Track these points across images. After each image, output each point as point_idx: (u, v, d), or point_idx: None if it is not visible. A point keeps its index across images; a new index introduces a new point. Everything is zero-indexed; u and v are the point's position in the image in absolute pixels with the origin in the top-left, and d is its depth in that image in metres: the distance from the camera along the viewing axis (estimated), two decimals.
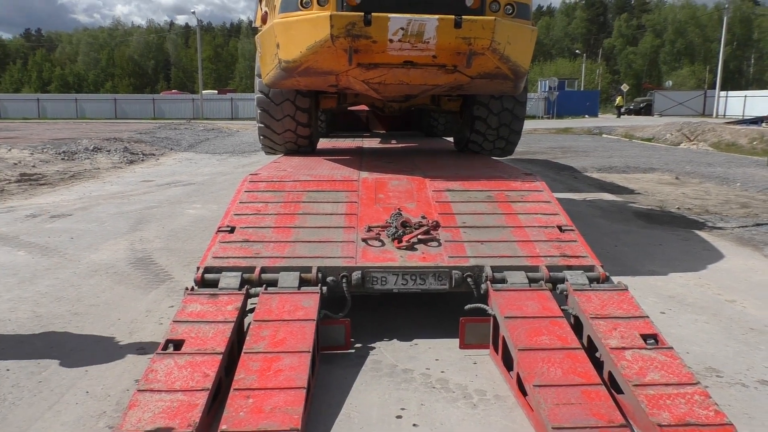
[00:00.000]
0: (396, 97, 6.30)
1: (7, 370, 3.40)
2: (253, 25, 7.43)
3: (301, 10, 4.97)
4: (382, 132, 12.02)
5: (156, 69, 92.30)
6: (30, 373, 3.36)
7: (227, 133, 26.74)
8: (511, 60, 5.06)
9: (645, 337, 3.11)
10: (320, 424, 2.82)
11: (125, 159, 15.06)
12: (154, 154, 16.93)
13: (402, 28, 4.67)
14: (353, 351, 3.64)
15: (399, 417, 2.89)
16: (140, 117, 44.53)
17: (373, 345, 3.73)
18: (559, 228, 4.27)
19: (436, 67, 5.06)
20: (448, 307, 4.29)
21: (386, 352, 3.63)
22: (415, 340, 3.80)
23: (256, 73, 7.01)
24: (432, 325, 4.04)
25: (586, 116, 41.71)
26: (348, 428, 2.80)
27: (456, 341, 3.68)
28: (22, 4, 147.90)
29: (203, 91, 49.39)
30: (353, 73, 5.16)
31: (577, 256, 3.92)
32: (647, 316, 3.29)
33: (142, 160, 15.47)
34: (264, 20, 6.07)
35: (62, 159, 13.98)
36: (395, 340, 3.81)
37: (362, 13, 4.63)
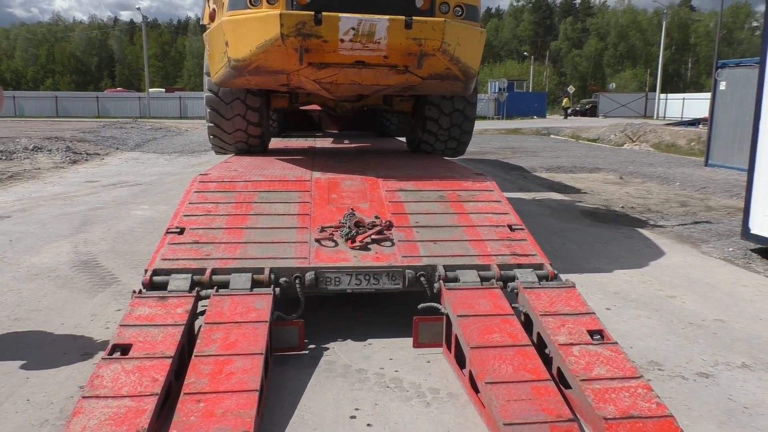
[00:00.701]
0: (348, 96, 6.29)
1: None
2: (200, 23, 7.28)
3: (250, 8, 4.90)
4: (334, 132, 11.99)
5: (100, 66, 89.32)
6: None
7: (176, 132, 26.13)
8: (461, 61, 5.13)
9: (591, 333, 3.21)
10: (274, 427, 2.80)
11: (68, 159, 14.51)
12: (98, 154, 16.38)
13: (353, 28, 4.67)
14: (307, 352, 3.62)
15: (353, 417, 2.89)
16: (84, 115, 42.97)
17: (327, 345, 3.72)
18: (510, 227, 4.35)
19: (388, 67, 5.09)
20: (402, 307, 4.32)
21: (340, 353, 3.63)
22: (369, 340, 3.81)
23: (204, 71, 6.88)
24: (386, 325, 4.05)
25: (535, 117, 42.66)
26: (302, 430, 2.78)
27: (410, 340, 3.71)
28: None
29: (150, 90, 48.07)
30: (304, 73, 5.13)
31: (527, 255, 4.01)
32: (593, 313, 3.40)
33: (86, 160, 14.94)
34: (212, 17, 5.96)
35: (0, 158, 13.36)
36: (349, 341, 3.81)
37: (312, 12, 4.61)
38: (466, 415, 2.93)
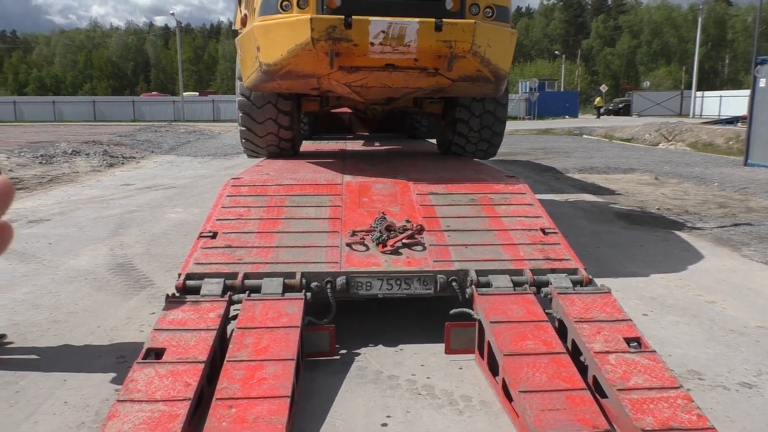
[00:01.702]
0: (378, 99, 6.29)
1: None
2: (232, 28, 7.36)
3: (280, 13, 4.93)
4: (365, 134, 12.01)
5: (135, 71, 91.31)
6: (6, 382, 3.29)
7: (209, 135, 26.53)
8: (491, 62, 5.08)
9: (628, 341, 3.13)
10: None
11: (105, 162, 14.85)
12: (134, 157, 16.73)
13: (383, 31, 4.66)
14: (338, 357, 3.61)
15: (384, 425, 2.87)
16: (120, 119, 44.01)
17: (358, 351, 3.71)
18: (543, 231, 4.28)
19: (418, 70, 5.06)
20: (433, 312, 4.28)
21: (371, 358, 3.61)
22: (401, 346, 3.79)
23: (236, 75, 6.95)
24: (417, 330, 4.02)
25: (567, 117, 42.10)
26: None
27: (442, 346, 3.67)
28: None
29: (184, 93, 48.94)
30: (335, 76, 5.14)
31: (561, 259, 3.93)
32: (630, 320, 3.31)
33: (122, 164, 15.27)
34: (244, 23, 6.02)
35: (40, 163, 13.75)
36: (380, 346, 3.79)
37: (342, 16, 4.61)
38: (500, 424, 2.88)
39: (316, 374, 3.39)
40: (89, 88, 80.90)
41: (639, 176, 12.44)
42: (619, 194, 10.06)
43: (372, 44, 4.69)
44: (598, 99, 46.85)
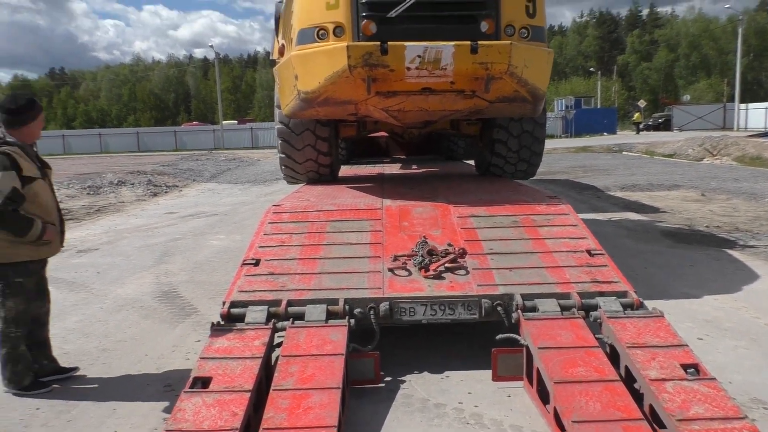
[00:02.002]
0: (415, 123, 6.30)
1: (37, 409, 3.39)
2: (270, 58, 7.52)
3: (317, 42, 5.01)
4: (402, 157, 12.03)
5: (176, 102, 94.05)
6: (59, 412, 3.35)
7: (248, 162, 27.02)
8: (529, 83, 5.04)
9: (685, 367, 3.00)
10: None
11: (149, 191, 15.25)
12: (177, 186, 17.13)
13: (419, 56, 4.68)
14: (383, 385, 3.57)
15: None
16: (162, 149, 45.24)
17: (403, 378, 3.66)
18: (588, 252, 4.17)
19: (455, 92, 5.06)
20: (478, 337, 4.21)
21: (417, 386, 3.55)
22: (446, 372, 3.72)
23: (275, 104, 7.07)
24: (462, 356, 3.95)
25: (605, 134, 41.41)
26: None
27: (488, 373, 3.59)
28: (45, 45, 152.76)
29: (223, 122, 50.11)
30: (372, 102, 5.18)
31: (609, 282, 3.82)
32: (686, 345, 3.18)
33: (166, 192, 15.65)
34: (281, 53, 6.13)
35: (87, 193, 14.20)
36: (426, 373, 3.73)
37: (378, 43, 4.65)
38: None
39: (362, 402, 3.35)
40: (133, 120, 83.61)
41: (684, 193, 12.09)
42: (664, 212, 9.79)
43: (408, 69, 4.71)
44: (636, 114, 45.98)
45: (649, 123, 47.75)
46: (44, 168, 3.72)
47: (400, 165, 10.35)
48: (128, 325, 4.84)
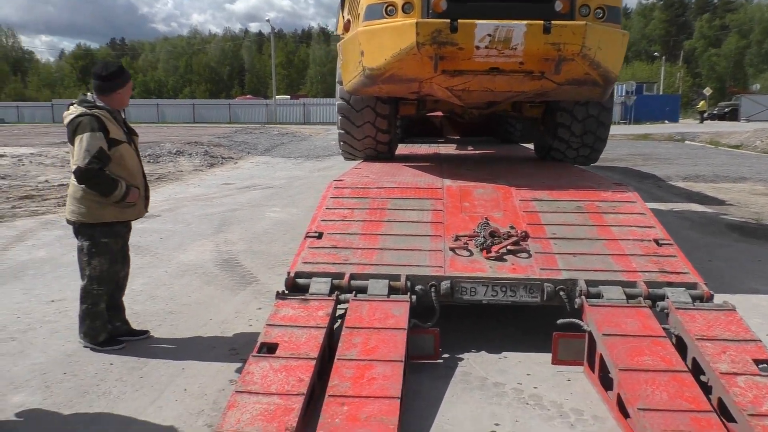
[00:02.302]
0: (478, 103, 6.22)
1: (111, 364, 3.57)
2: (335, 33, 7.54)
3: (385, 18, 4.99)
4: (456, 138, 11.94)
5: (231, 75, 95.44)
6: (131, 368, 3.52)
7: (301, 137, 27.30)
8: (601, 65, 4.90)
9: (758, 362, 2.92)
10: None
11: (206, 162, 15.62)
12: (232, 158, 17.49)
13: (489, 35, 4.61)
14: (441, 361, 3.60)
15: None
16: (217, 121, 46.20)
17: (460, 356, 3.68)
18: (656, 242, 4.08)
19: (523, 73, 4.97)
20: (535, 320, 4.19)
21: (475, 364, 3.58)
22: (504, 353, 3.72)
23: (337, 80, 7.10)
24: (520, 338, 3.94)
25: (666, 122, 39.95)
26: None
27: (546, 356, 3.58)
28: (106, 15, 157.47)
29: (276, 96, 50.68)
30: (437, 80, 5.14)
31: (678, 273, 3.73)
32: (759, 340, 3.09)
33: (222, 164, 16.00)
34: (346, 28, 6.13)
35: (148, 161, 14.65)
36: (483, 352, 3.75)
37: (448, 20, 4.60)
38: None
39: (420, 377, 3.39)
40: (188, 92, 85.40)
41: (751, 186, 11.60)
42: (729, 204, 9.43)
43: (477, 48, 4.65)
44: (701, 103, 44.05)
45: (714, 112, 45.74)
46: (131, 134, 3.88)
47: (455, 146, 10.28)
48: (192, 290, 5.02)
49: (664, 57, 64.11)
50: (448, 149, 9.60)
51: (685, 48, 73.41)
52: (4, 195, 9.93)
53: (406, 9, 4.86)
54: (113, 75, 3.73)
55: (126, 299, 4.73)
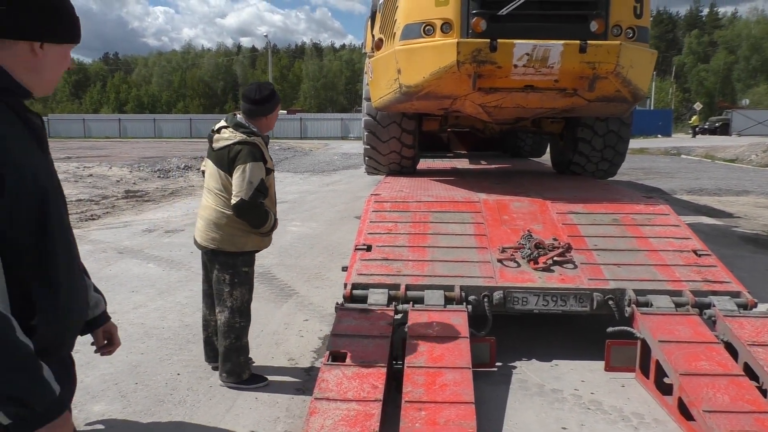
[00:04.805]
0: (507, 119, 6.41)
1: (178, 374, 3.66)
2: (363, 51, 7.71)
3: (423, 37, 5.17)
4: (463, 152, 12.13)
5: (225, 89, 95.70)
6: (199, 378, 3.62)
7: (302, 152, 27.45)
8: (632, 83, 5.11)
9: None
10: None
11: None
12: None
13: (527, 54, 4.79)
14: (496, 369, 3.72)
15: None
16: None
17: (513, 364, 3.81)
18: (695, 252, 4.24)
19: (556, 90, 5.16)
20: (583, 329, 4.32)
21: (529, 372, 3.70)
22: (555, 361, 3.85)
23: (363, 96, 7.28)
24: (569, 347, 4.07)
25: (659, 136, 40.48)
26: None
27: (596, 363, 3.72)
28: (97, 30, 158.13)
29: None
30: (472, 97, 5.31)
31: (721, 282, 3.89)
32: None
33: None
34: (378, 47, 6.30)
35: (158, 177, 14.75)
36: (534, 360, 3.88)
37: (488, 40, 4.78)
38: None
39: (480, 384, 3.49)
40: (182, 106, 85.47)
41: (755, 199, 11.85)
42: (738, 217, 9.65)
43: (515, 66, 4.83)
44: (694, 118, 44.66)
45: (705, 126, 46.38)
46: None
47: (467, 161, 10.47)
48: None
49: (655, 72, 64.96)
50: (463, 164, 9.79)
51: (675, 63, 74.47)
52: None
53: (445, 29, 5.04)
54: (266, 98, 3.47)
55: (175, 311, 4.85)
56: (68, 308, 1.51)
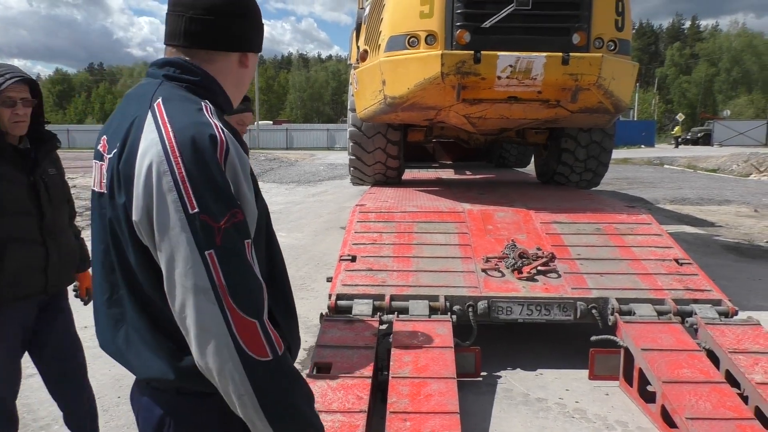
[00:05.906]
0: (491, 130, 6.46)
1: None
2: (348, 62, 7.75)
3: (408, 49, 5.21)
4: (448, 162, 12.19)
5: None
6: None
7: (288, 163, 27.40)
8: (614, 95, 5.17)
9: None
10: None
11: None
12: None
13: (510, 66, 4.84)
14: (481, 379, 3.72)
15: None
16: None
17: (498, 373, 3.82)
18: (677, 261, 4.29)
19: (539, 102, 5.22)
20: (566, 338, 4.34)
21: (514, 381, 3.71)
22: (540, 370, 3.87)
23: (348, 107, 7.30)
24: (553, 356, 4.09)
25: (642, 146, 40.97)
26: None
27: (579, 372, 3.74)
28: (81, 40, 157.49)
29: (258, 122, 50.77)
30: (456, 108, 5.36)
31: (702, 290, 3.93)
32: None
33: None
34: (363, 58, 6.33)
35: None
36: (519, 370, 3.89)
37: (472, 52, 4.83)
38: None
39: (465, 393, 3.50)
40: None
41: (736, 208, 12.01)
42: (719, 226, 9.77)
43: (499, 78, 4.88)
44: (677, 128, 45.28)
45: (687, 137, 47.03)
46: None
47: (452, 171, 10.52)
48: None
49: (638, 84, 65.87)
50: (448, 174, 9.83)
51: (658, 75, 75.57)
52: None
53: (429, 41, 5.09)
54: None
55: None
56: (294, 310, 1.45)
